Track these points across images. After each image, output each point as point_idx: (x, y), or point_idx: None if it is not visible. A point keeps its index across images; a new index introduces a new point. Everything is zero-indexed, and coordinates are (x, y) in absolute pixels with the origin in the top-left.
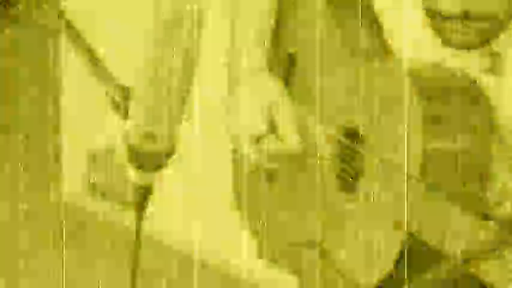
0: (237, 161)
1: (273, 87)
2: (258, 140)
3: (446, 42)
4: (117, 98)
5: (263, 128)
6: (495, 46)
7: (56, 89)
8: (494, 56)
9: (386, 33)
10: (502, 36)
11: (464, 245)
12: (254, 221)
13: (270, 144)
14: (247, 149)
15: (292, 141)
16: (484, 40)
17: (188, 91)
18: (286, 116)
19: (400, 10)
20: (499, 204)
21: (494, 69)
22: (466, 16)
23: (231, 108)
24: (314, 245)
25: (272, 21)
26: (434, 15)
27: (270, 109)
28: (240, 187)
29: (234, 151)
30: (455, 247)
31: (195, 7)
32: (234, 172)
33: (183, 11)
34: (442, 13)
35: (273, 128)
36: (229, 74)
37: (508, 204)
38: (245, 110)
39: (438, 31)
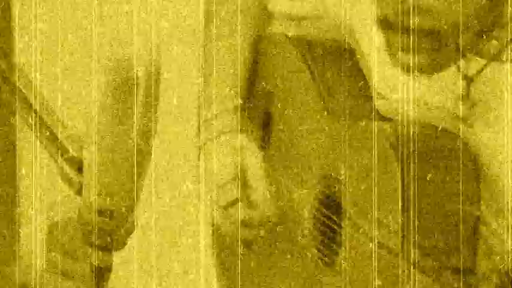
0: (215, 226)
1: (245, 148)
2: (228, 206)
3: (397, 63)
4: (70, 172)
5: (233, 193)
6: (468, 70)
7: (13, 157)
8: (468, 80)
9: (371, 88)
10: (475, 59)
11: None
12: None
13: (241, 212)
14: (218, 215)
15: (265, 208)
16: (436, 65)
17: (147, 163)
18: (259, 179)
19: (382, 63)
20: (486, 278)
21: (468, 95)
22: (409, 27)
23: (201, 170)
24: None
25: (245, 77)
26: (384, 26)
27: (241, 172)
28: (219, 255)
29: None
30: None
31: (148, 72)
32: (213, 238)
33: (133, 76)
34: (388, 18)
35: (245, 194)
36: (200, 133)
37: (494, 277)
38: (215, 173)
39: (389, 48)
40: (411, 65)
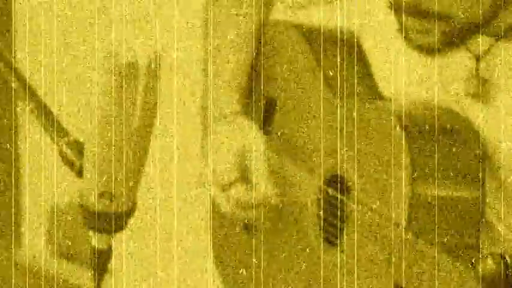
0: (215, 210)
1: (246, 131)
2: (227, 187)
3: (410, 44)
4: (71, 154)
5: (232, 174)
6: (482, 69)
7: (15, 140)
8: (481, 80)
9: (375, 71)
10: (490, 58)
11: None
12: (233, 279)
13: (240, 193)
14: (218, 197)
15: (265, 189)
16: (448, 44)
17: (147, 146)
18: (259, 162)
19: (387, 46)
20: (484, 258)
21: (481, 95)
22: (422, 10)
23: (203, 154)
24: None
25: (249, 63)
26: (396, 9)
27: (242, 154)
28: (217, 240)
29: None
30: None
31: (151, 56)
32: (212, 223)
33: (135, 61)
34: (403, 4)
35: (245, 175)
36: (203, 118)
37: (489, 259)
38: (216, 155)
39: (402, 30)
40: (424, 45)
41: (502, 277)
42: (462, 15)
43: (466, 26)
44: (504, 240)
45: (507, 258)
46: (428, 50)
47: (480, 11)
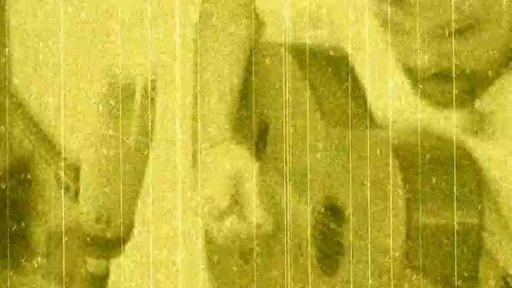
0: (208, 237)
1: (238, 156)
2: (220, 217)
3: (427, 102)
4: (66, 179)
5: (224, 204)
6: (479, 106)
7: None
8: (479, 116)
9: (369, 97)
10: (487, 96)
11: None
12: None
13: (234, 223)
14: (211, 228)
15: (259, 218)
16: (466, 99)
17: (143, 170)
18: (252, 188)
19: (383, 72)
20: (486, 280)
21: (478, 131)
22: (444, 75)
23: (194, 181)
24: None
25: (239, 87)
26: (411, 74)
27: (233, 181)
28: (212, 267)
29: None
30: None
31: (148, 78)
32: (206, 250)
33: (133, 82)
34: (419, 71)
35: (237, 204)
36: (193, 144)
37: (491, 282)
38: (206, 182)
39: (418, 91)
40: (442, 102)
41: None
42: (480, 69)
43: (483, 77)
44: (503, 268)
45: (508, 280)
46: (446, 105)
47: (494, 63)
